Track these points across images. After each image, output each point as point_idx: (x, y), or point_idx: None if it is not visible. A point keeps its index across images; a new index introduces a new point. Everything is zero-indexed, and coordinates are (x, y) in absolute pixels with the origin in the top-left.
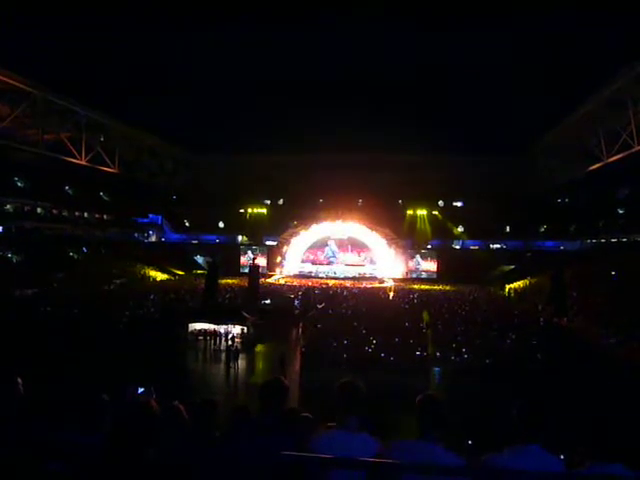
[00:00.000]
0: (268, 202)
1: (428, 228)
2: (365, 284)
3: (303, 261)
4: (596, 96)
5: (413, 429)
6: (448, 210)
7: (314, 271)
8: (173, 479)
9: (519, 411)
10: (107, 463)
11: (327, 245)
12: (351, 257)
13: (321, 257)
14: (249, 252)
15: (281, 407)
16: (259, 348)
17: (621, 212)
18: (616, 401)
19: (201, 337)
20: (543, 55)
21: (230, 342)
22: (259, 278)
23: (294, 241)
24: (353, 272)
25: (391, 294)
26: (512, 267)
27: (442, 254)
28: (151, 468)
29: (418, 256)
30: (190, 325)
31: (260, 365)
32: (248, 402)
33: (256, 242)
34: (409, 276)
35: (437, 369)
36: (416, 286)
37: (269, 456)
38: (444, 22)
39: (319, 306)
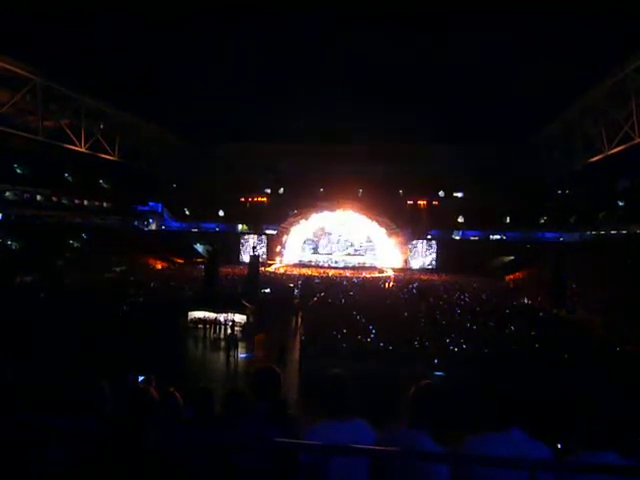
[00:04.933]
0: (268, 191)
1: (428, 218)
2: (365, 274)
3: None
4: (598, 87)
5: (408, 418)
6: (448, 200)
7: (314, 260)
8: (170, 464)
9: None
10: (106, 449)
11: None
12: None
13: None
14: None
15: (275, 395)
16: (258, 337)
17: (621, 204)
18: (612, 390)
19: (201, 325)
20: (545, 45)
21: (230, 330)
22: (259, 267)
23: (294, 230)
24: (353, 262)
25: (390, 284)
26: (512, 258)
27: (442, 244)
28: (149, 453)
29: (418, 246)
30: (190, 313)
31: (259, 354)
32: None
33: (256, 231)
34: (409, 266)
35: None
36: (415, 276)
37: (264, 443)
38: (442, 11)
39: (319, 295)
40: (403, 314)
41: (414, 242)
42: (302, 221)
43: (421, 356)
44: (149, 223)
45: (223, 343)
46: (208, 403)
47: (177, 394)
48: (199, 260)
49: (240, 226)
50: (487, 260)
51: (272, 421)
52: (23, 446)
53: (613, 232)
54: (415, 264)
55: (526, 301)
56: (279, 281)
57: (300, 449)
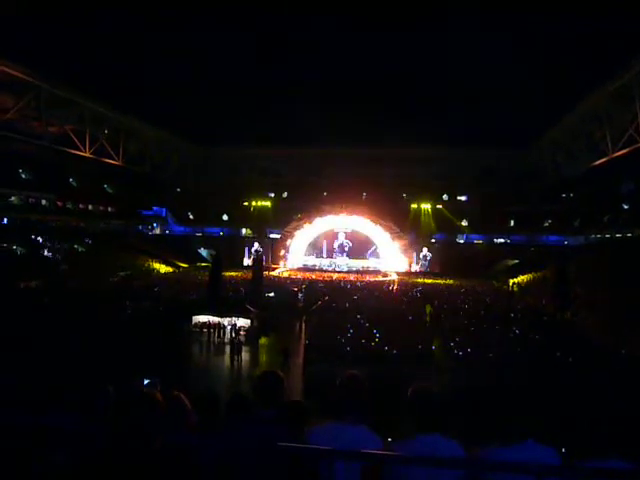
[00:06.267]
0: (272, 195)
1: (432, 222)
2: (369, 277)
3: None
4: (602, 90)
5: (412, 424)
6: (452, 204)
7: (318, 264)
8: (174, 468)
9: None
10: (109, 452)
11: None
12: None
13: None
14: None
15: (278, 399)
16: (263, 341)
17: (626, 207)
18: (615, 394)
19: (205, 329)
20: (549, 47)
21: (234, 335)
22: (263, 271)
23: (298, 234)
24: (357, 265)
25: (395, 288)
26: (516, 261)
27: (446, 248)
28: (154, 457)
29: (423, 250)
30: (194, 317)
31: (264, 358)
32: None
33: (260, 235)
34: (413, 270)
35: None
36: (420, 280)
37: (268, 447)
38: (443, 12)
39: (323, 299)
40: (407, 318)
41: (418, 246)
42: (306, 225)
43: (426, 360)
44: (153, 227)
45: (227, 347)
46: (214, 407)
47: (183, 397)
48: (203, 264)
49: (244, 230)
50: (491, 264)
51: (277, 425)
52: (24, 447)
53: (618, 235)
54: (419, 268)
55: (530, 305)
56: (283, 285)
57: (305, 453)
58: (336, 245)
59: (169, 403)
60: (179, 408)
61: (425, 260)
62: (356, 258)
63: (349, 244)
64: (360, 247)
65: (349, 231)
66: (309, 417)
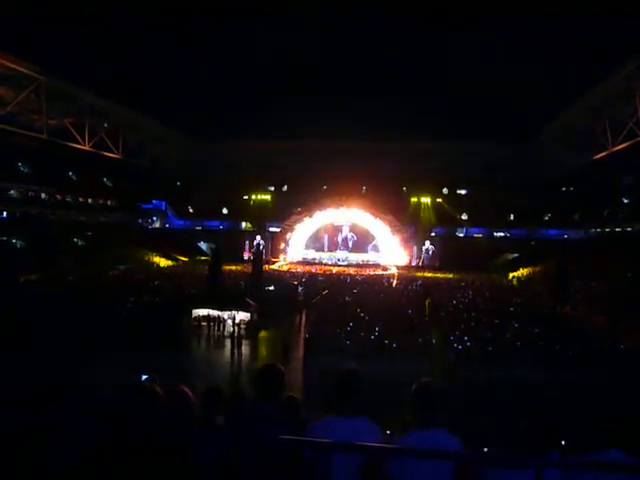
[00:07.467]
0: (272, 189)
1: (432, 216)
2: (369, 271)
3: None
4: (603, 84)
5: (413, 417)
6: (452, 198)
7: (318, 258)
8: (176, 463)
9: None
10: (109, 449)
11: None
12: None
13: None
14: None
15: (278, 393)
16: (263, 334)
17: (626, 201)
18: (614, 388)
19: (205, 323)
20: (549, 41)
21: (234, 328)
22: (263, 264)
23: (298, 228)
24: (357, 259)
25: (394, 281)
26: (516, 255)
27: (446, 242)
28: (155, 454)
29: (425, 243)
30: (194, 311)
31: (264, 351)
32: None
33: (260, 229)
34: (412, 263)
35: None
36: (419, 273)
37: (268, 442)
38: (444, 9)
39: (323, 293)
40: (407, 311)
41: (418, 239)
42: (306, 219)
43: (425, 353)
44: (153, 221)
45: (227, 341)
46: (219, 402)
47: (188, 391)
48: (203, 258)
49: (244, 224)
50: (491, 257)
51: (278, 420)
52: (24, 447)
53: (618, 229)
54: (419, 261)
55: (530, 298)
56: (283, 279)
57: (305, 446)
58: (340, 238)
59: (173, 397)
60: (184, 402)
61: (428, 253)
62: (356, 252)
63: (353, 237)
64: (360, 241)
65: (350, 224)
66: (301, 410)
